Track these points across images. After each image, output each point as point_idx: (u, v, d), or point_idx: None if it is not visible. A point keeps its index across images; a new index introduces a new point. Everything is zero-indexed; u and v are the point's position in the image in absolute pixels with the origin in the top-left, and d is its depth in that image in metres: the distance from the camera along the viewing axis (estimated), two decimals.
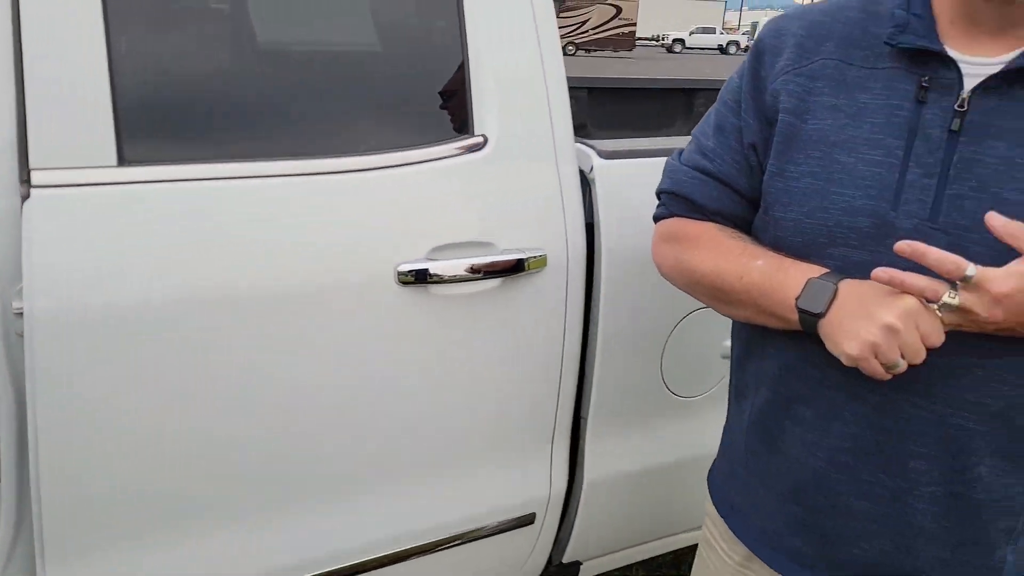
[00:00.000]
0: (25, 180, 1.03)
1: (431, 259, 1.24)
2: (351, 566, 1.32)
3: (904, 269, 0.82)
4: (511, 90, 1.32)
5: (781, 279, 0.92)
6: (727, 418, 1.16)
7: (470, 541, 1.41)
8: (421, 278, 1.24)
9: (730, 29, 61.40)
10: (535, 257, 1.31)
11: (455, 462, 1.37)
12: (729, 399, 1.15)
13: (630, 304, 1.43)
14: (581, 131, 3.19)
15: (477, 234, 1.29)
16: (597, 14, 33.80)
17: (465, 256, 1.27)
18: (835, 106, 0.94)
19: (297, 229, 1.16)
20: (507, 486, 1.42)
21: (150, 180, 1.09)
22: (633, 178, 1.41)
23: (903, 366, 0.84)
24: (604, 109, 3.15)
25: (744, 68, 1.03)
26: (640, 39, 44.51)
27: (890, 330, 0.82)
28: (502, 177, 1.31)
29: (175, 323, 1.09)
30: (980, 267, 0.80)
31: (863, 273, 0.86)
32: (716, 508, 1.15)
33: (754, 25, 54.29)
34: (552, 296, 1.35)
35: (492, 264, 1.28)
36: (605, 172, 1.41)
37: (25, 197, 1.02)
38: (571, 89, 3.35)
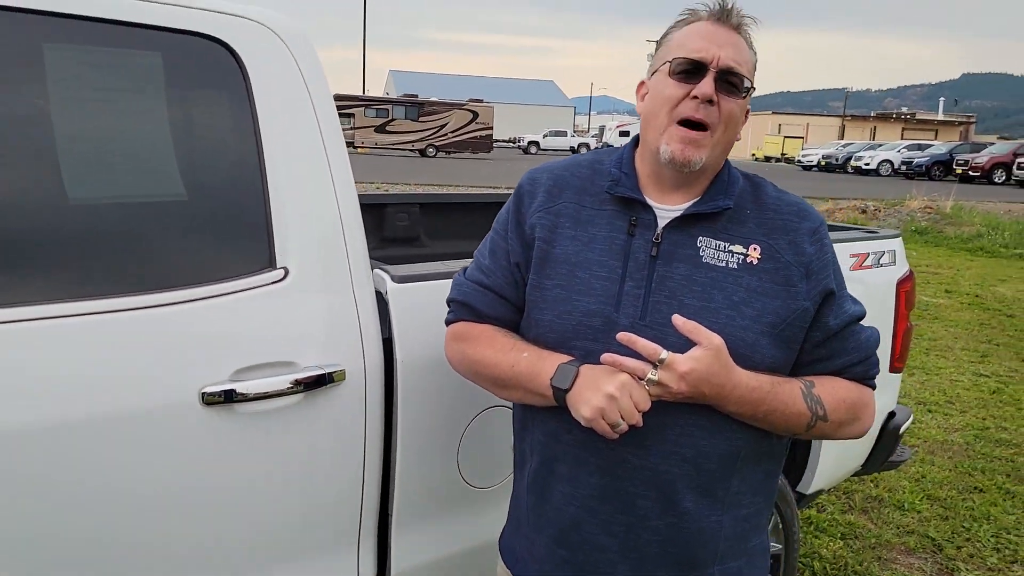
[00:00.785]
0: None
1: (235, 380, 1.39)
2: None
3: (625, 355, 1.15)
4: (309, 226, 1.51)
5: (541, 366, 1.22)
6: (513, 486, 1.43)
7: None
8: (227, 398, 1.38)
9: (580, 132, 65.55)
10: (333, 372, 1.48)
11: (266, 565, 1.47)
12: (515, 470, 1.43)
13: (427, 407, 1.62)
14: (415, 242, 3.46)
15: (280, 355, 1.45)
16: (456, 118, 35.25)
17: (268, 375, 1.42)
18: (574, 236, 1.29)
19: (101, 363, 1.28)
20: None
21: None
22: (424, 298, 1.62)
23: (624, 426, 1.14)
24: (434, 221, 3.44)
25: (509, 205, 1.36)
26: (498, 141, 46.66)
27: (611, 398, 1.12)
28: (302, 303, 1.49)
29: None
30: (671, 353, 1.13)
31: (597, 358, 1.19)
32: (504, 561, 1.43)
33: (601, 128, 58.05)
34: (352, 406, 1.52)
35: (294, 380, 1.44)
36: (399, 294, 1.62)
37: None
38: (405, 205, 3.61)
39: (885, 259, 2.55)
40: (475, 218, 3.42)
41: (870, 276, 2.46)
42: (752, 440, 1.24)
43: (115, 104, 1.41)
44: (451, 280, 1.42)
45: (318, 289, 1.51)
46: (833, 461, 2.46)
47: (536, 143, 46.25)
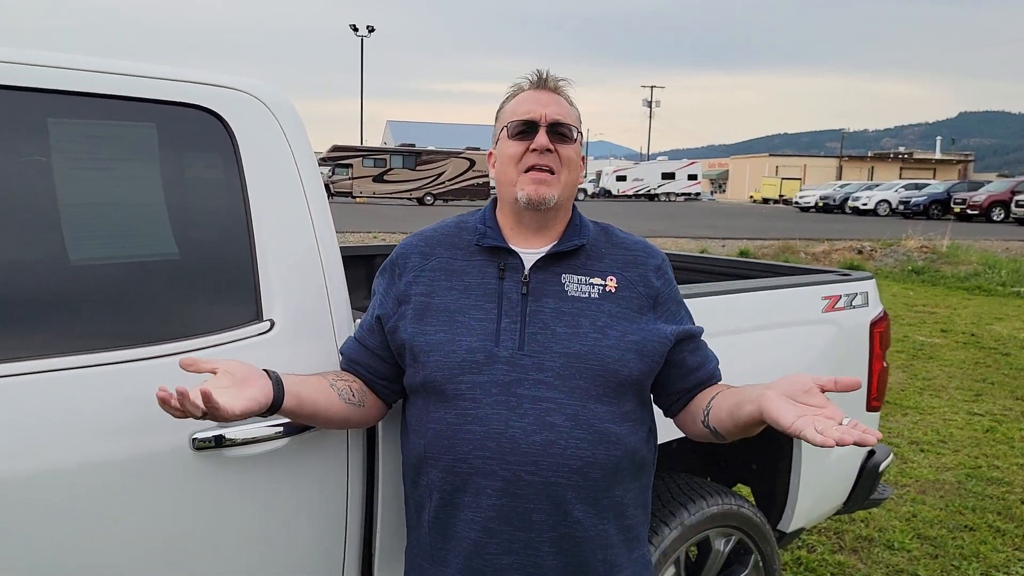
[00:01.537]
0: None
1: (223, 426, 1.47)
2: None
3: (508, 381, 1.36)
4: (293, 280, 1.61)
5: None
6: (408, 539, 1.54)
7: None
8: (217, 443, 1.46)
9: None
10: None
11: None
12: (408, 518, 1.54)
13: None
14: None
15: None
16: (452, 166, 35.77)
17: (255, 420, 1.50)
18: (450, 287, 1.47)
19: (102, 411, 1.37)
20: None
21: None
22: None
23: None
24: None
25: (385, 268, 1.56)
26: (494, 188, 47.07)
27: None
28: (288, 352, 1.58)
29: None
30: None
31: (484, 389, 1.36)
32: None
33: (599, 173, 58.63)
34: (335, 449, 1.60)
35: (280, 425, 1.52)
36: None
37: None
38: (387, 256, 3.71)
39: (858, 300, 2.63)
40: None
41: (843, 318, 2.54)
42: (627, 452, 1.41)
43: (113, 171, 1.53)
44: None
45: (302, 339, 1.60)
46: (812, 499, 2.51)
47: None
